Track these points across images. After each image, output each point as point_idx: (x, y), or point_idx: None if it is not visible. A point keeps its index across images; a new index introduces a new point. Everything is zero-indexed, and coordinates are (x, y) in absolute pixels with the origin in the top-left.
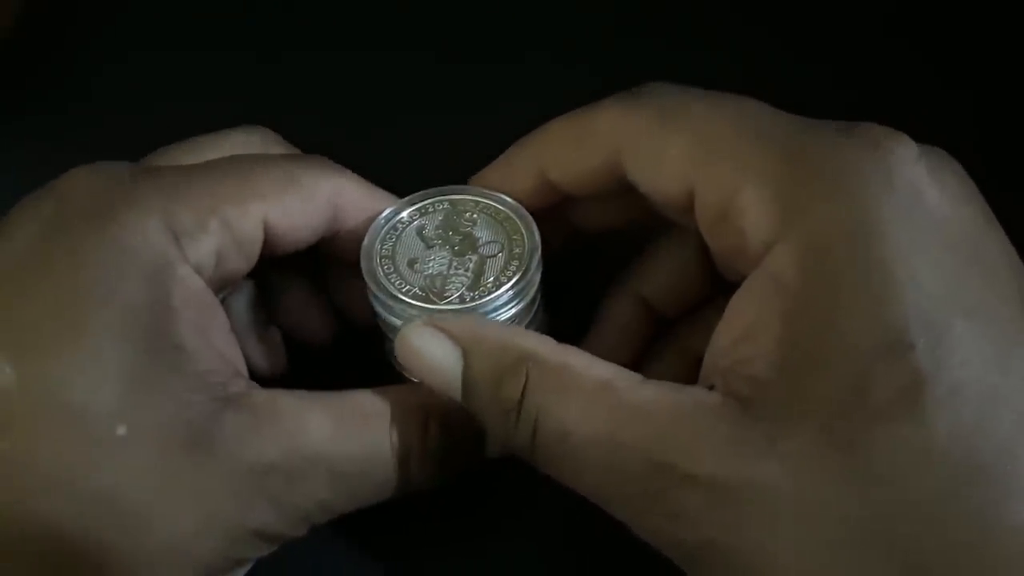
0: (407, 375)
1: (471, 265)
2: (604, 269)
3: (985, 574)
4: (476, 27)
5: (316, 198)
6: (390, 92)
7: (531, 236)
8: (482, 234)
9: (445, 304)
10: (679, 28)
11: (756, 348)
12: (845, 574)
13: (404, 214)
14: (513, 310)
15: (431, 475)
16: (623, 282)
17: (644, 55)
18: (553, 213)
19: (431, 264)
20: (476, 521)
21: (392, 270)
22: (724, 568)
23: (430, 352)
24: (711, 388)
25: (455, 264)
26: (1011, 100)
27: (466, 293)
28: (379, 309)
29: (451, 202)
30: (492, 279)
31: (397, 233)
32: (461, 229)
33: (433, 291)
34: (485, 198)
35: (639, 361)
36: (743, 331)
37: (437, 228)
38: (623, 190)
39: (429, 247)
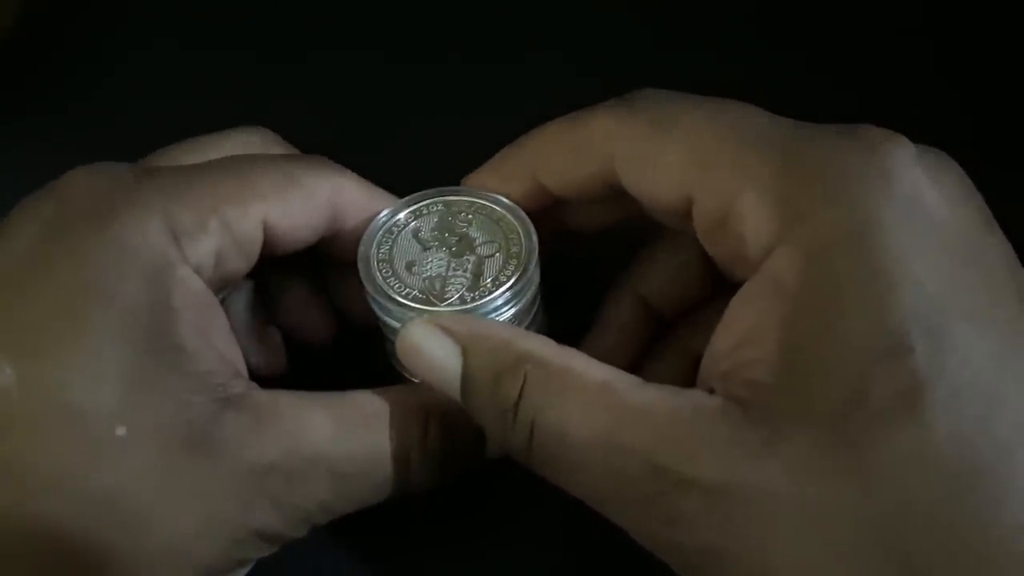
0: (407, 375)
1: (469, 266)
2: (603, 269)
3: (984, 575)
4: (476, 27)
5: (316, 198)
6: (390, 92)
7: (528, 235)
8: (478, 234)
9: (446, 306)
10: (679, 29)
11: (756, 352)
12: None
13: (399, 216)
14: (513, 310)
15: (431, 475)
16: (623, 282)
17: (644, 55)
18: (546, 215)
19: (429, 266)
20: (476, 522)
21: (391, 273)
22: (723, 574)
23: (430, 350)
24: (710, 391)
25: (453, 265)
26: (1011, 101)
27: (466, 294)
28: (379, 313)
29: (446, 203)
30: (491, 279)
31: (393, 236)
32: (457, 230)
33: (433, 293)
34: (480, 198)
35: (639, 361)
36: (743, 335)
37: (433, 230)
38: (616, 194)
39: (426, 249)
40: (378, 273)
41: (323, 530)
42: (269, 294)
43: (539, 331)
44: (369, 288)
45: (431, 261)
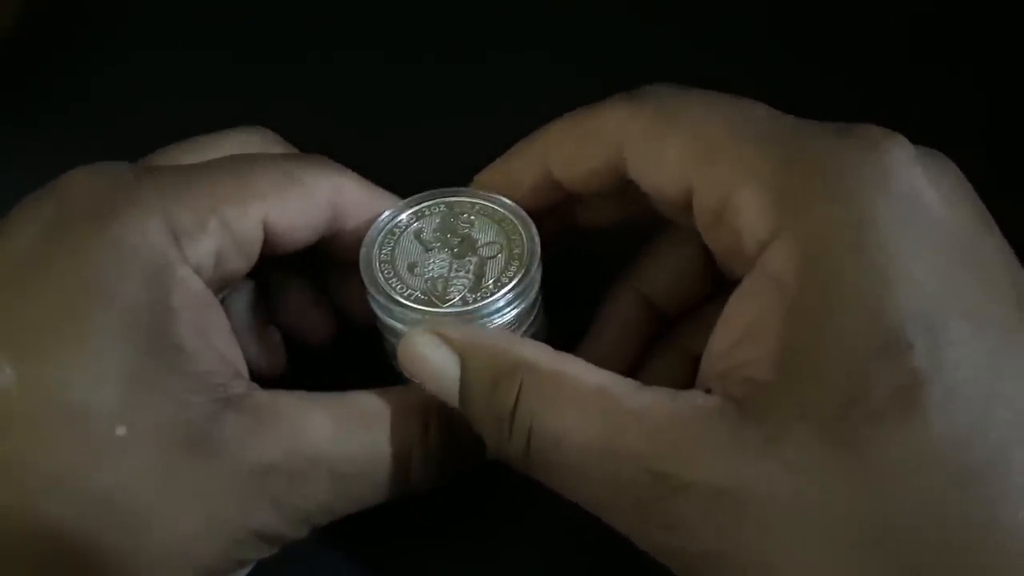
0: (407, 375)
1: (471, 267)
2: (604, 269)
3: (982, 574)
4: (476, 27)
5: (316, 197)
6: (390, 92)
7: (530, 235)
8: (480, 235)
9: (448, 307)
10: (679, 28)
11: (754, 350)
12: (843, 575)
13: (401, 217)
14: (515, 311)
15: (431, 476)
16: (624, 280)
17: (644, 55)
18: (552, 213)
19: (432, 267)
20: (476, 522)
21: (392, 275)
22: None
23: (430, 358)
24: (708, 391)
25: (455, 266)
26: (1010, 101)
27: (468, 295)
28: (381, 314)
29: (448, 204)
30: (493, 280)
31: (395, 237)
32: (459, 231)
33: (435, 294)
34: (482, 199)
35: (640, 359)
36: (740, 334)
37: (435, 231)
38: (625, 187)
39: (428, 250)
40: (380, 274)
41: (323, 530)
42: (269, 294)
43: (540, 332)
44: (371, 289)
45: (433, 262)
